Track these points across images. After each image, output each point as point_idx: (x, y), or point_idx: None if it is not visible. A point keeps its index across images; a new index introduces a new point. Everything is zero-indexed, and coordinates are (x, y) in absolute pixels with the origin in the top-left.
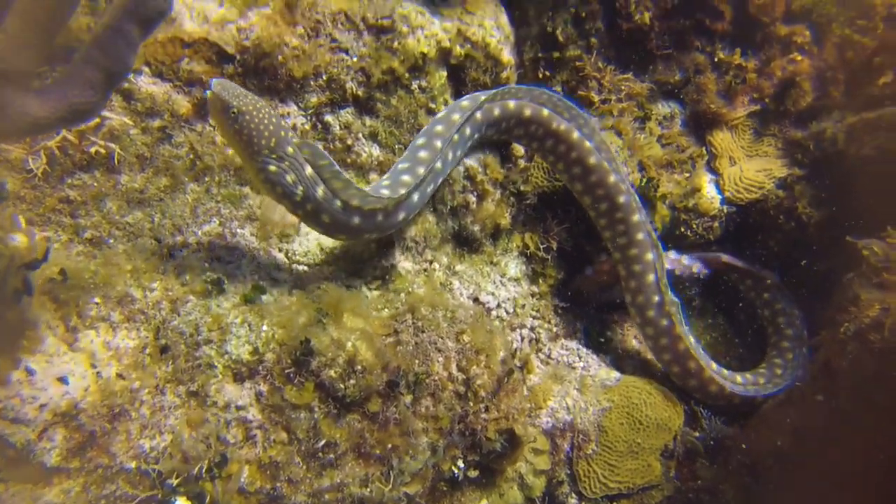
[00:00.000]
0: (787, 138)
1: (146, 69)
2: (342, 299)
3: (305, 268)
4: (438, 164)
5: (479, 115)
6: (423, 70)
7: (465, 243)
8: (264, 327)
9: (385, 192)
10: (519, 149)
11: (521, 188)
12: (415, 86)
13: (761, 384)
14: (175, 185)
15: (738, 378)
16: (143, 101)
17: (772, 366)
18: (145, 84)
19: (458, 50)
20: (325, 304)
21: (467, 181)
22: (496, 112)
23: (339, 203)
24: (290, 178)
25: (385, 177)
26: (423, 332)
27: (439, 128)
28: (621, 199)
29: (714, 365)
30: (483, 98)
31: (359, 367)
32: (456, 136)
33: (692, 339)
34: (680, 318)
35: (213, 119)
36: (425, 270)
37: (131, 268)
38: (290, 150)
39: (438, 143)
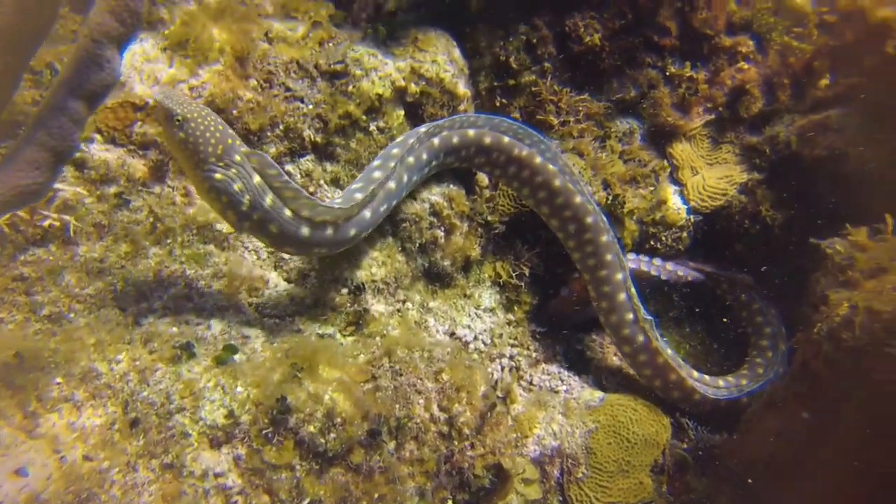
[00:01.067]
0: (744, 144)
1: (98, 136)
2: (316, 350)
3: (277, 320)
4: (392, 185)
5: (436, 141)
6: (380, 111)
7: (437, 279)
8: (238, 388)
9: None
10: (483, 179)
11: (489, 218)
12: (373, 127)
13: (744, 385)
14: (136, 250)
15: (721, 382)
16: (97, 169)
17: (754, 365)
18: (98, 151)
19: (413, 88)
20: (299, 358)
21: (434, 217)
22: (455, 140)
23: (288, 213)
24: (236, 186)
25: (338, 195)
26: (401, 375)
27: (395, 150)
28: (588, 219)
29: (695, 373)
30: (440, 123)
31: (338, 420)
32: (411, 160)
33: (670, 352)
34: (655, 333)
35: (159, 127)
36: (399, 311)
37: (95, 341)
38: (237, 157)
39: (392, 164)
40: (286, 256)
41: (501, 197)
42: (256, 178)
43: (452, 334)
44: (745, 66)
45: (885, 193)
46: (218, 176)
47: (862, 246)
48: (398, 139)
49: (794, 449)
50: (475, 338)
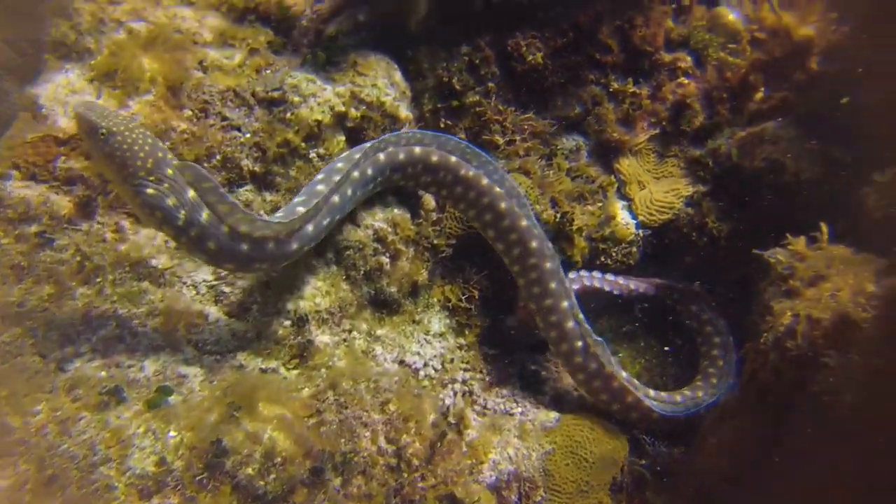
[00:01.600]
0: (688, 157)
1: (15, 173)
2: (255, 387)
3: (217, 357)
4: (336, 199)
5: (382, 157)
6: (319, 138)
7: (384, 306)
8: (171, 433)
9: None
10: (429, 201)
11: (435, 242)
12: (313, 154)
13: (700, 397)
14: (61, 291)
15: (678, 397)
16: (15, 208)
17: (707, 376)
18: (15, 189)
19: (353, 113)
20: (238, 396)
21: (378, 244)
22: (401, 156)
23: (225, 228)
24: (170, 201)
25: (280, 209)
26: (346, 407)
27: (340, 164)
28: (534, 244)
29: (651, 392)
30: (387, 138)
31: (278, 459)
32: (356, 174)
33: (624, 374)
34: (607, 356)
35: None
36: (345, 341)
37: (7, 393)
38: (169, 171)
39: (337, 178)
40: (226, 290)
41: (449, 220)
42: (191, 193)
43: (402, 362)
44: (685, 81)
45: (821, 202)
46: (150, 191)
47: (801, 255)
48: (343, 154)
49: (746, 460)
50: (425, 364)
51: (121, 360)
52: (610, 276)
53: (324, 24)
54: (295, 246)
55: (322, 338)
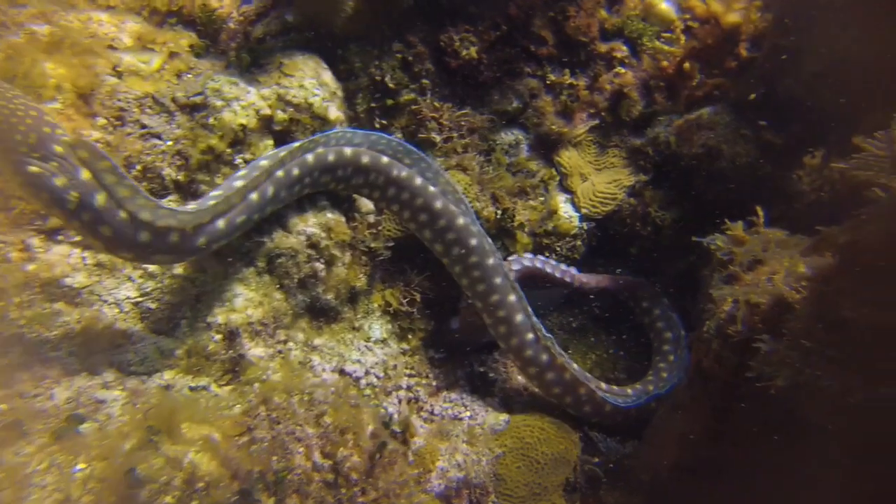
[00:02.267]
0: (629, 147)
1: None
2: (177, 409)
3: (143, 378)
4: (254, 196)
5: (310, 157)
6: (245, 142)
7: (321, 314)
8: (79, 466)
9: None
10: (365, 202)
11: (372, 245)
12: (239, 160)
13: (650, 391)
14: None
15: (629, 391)
16: None
17: (657, 370)
18: None
19: (280, 115)
20: (158, 419)
21: (311, 249)
22: (331, 157)
23: (123, 214)
24: (58, 181)
25: (193, 203)
26: (279, 423)
27: (264, 162)
28: (473, 241)
29: (603, 385)
30: (316, 138)
31: (201, 485)
32: (281, 173)
33: (576, 366)
34: (557, 349)
35: None
36: (280, 353)
37: None
38: (58, 148)
39: (258, 174)
40: (153, 306)
41: (386, 221)
42: (85, 173)
43: (341, 371)
44: (622, 71)
45: (758, 186)
46: (33, 169)
47: (739, 240)
48: (269, 153)
49: (696, 452)
50: (367, 372)
51: (25, 391)
52: (552, 262)
53: (251, 26)
54: (201, 240)
55: (255, 351)
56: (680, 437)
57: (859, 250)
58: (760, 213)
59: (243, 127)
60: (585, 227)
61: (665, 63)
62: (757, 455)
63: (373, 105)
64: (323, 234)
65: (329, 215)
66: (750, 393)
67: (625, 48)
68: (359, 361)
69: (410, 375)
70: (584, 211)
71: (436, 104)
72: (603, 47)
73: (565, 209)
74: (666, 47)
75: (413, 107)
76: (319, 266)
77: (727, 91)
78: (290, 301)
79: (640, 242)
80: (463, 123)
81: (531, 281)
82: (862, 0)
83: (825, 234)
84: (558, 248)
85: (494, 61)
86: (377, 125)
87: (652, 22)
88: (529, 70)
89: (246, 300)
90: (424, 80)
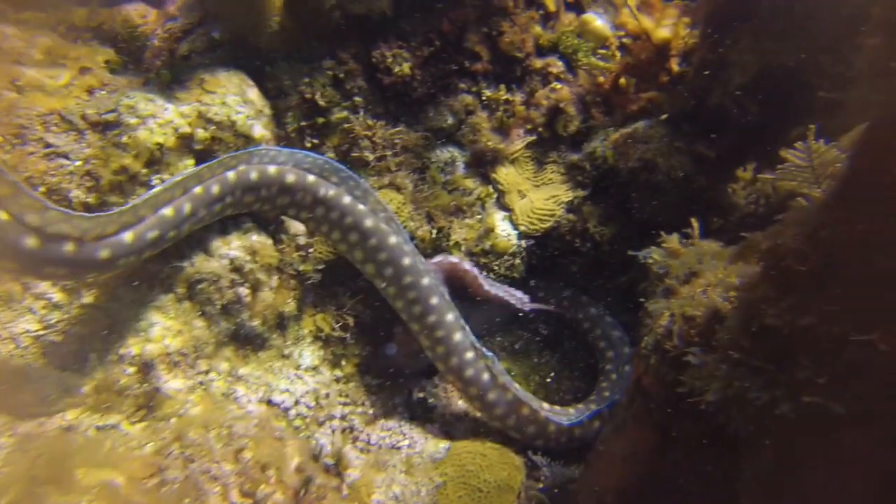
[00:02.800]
0: (567, 162)
1: None
2: (72, 453)
3: (41, 420)
4: (168, 212)
5: (232, 175)
6: (162, 162)
7: (247, 342)
8: None
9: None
10: (294, 225)
11: (301, 268)
12: (156, 180)
13: (591, 409)
14: None
15: (572, 410)
16: None
17: (600, 390)
18: None
19: (201, 133)
20: (46, 467)
21: (235, 274)
22: (253, 175)
23: (4, 216)
24: None
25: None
26: (192, 461)
27: (179, 178)
28: (406, 261)
29: (546, 405)
30: (238, 154)
31: None
32: (199, 190)
33: (517, 386)
34: (499, 369)
35: None
36: (202, 384)
37: None
38: None
39: (171, 188)
40: (57, 339)
41: (319, 243)
42: None
43: (269, 402)
44: (558, 86)
45: (693, 199)
46: None
47: (675, 252)
48: (189, 170)
49: (640, 472)
50: (297, 402)
51: None
52: (496, 282)
53: (177, 43)
54: (104, 254)
55: (173, 383)
56: (624, 459)
57: (780, 255)
58: (696, 224)
59: (160, 146)
60: (524, 245)
61: (601, 79)
62: (700, 473)
63: (303, 124)
64: (247, 258)
65: (254, 237)
66: (688, 409)
67: (560, 63)
68: (288, 391)
69: (345, 404)
70: (522, 228)
71: (369, 122)
72: (538, 63)
73: (503, 227)
74: (602, 63)
75: (345, 125)
76: (244, 291)
77: (661, 105)
78: (212, 329)
79: (581, 259)
80: (396, 141)
81: (452, 283)
82: (781, 13)
83: (750, 240)
84: (496, 267)
85: (428, 77)
86: (308, 144)
87: (587, 38)
88: (464, 86)
89: (163, 329)
90: (357, 98)
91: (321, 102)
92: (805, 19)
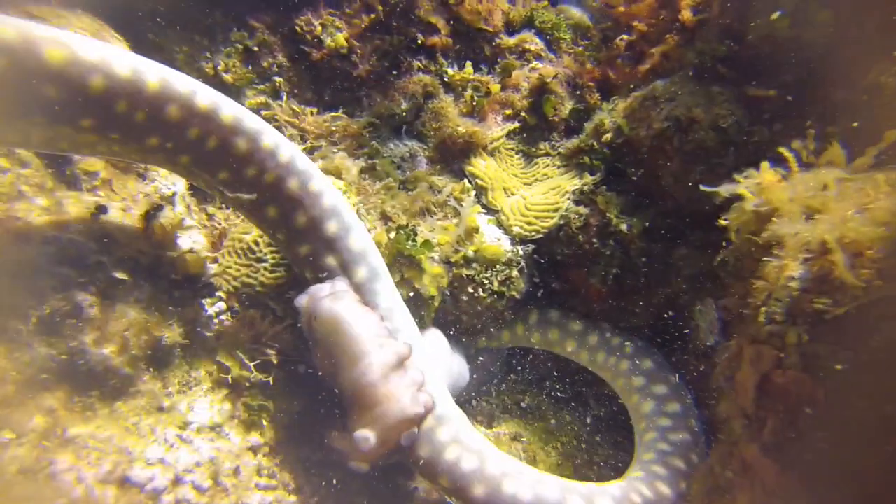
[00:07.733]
0: (566, 148)
1: None
2: None
3: None
4: None
5: None
6: None
7: (94, 383)
8: None
9: None
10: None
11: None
12: None
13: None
14: None
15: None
16: None
17: (645, 464)
18: None
19: None
20: None
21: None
22: None
23: None
24: None
25: None
26: None
27: None
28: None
29: (581, 486)
30: None
31: None
32: None
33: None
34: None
35: None
36: None
37: None
38: None
39: None
40: None
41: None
42: None
43: (123, 481)
44: (538, 66)
45: (749, 156)
46: None
47: (770, 187)
48: None
49: None
50: (176, 481)
51: None
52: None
53: None
54: None
55: None
56: None
57: None
58: (794, 152)
59: None
60: (520, 252)
61: (590, 67)
62: None
63: None
64: (93, 245)
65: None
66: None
67: (538, 40)
68: (161, 462)
69: (265, 486)
70: (515, 231)
71: (295, 108)
72: (510, 41)
73: (488, 230)
74: (587, 52)
75: (264, 112)
76: (86, 298)
77: (680, 59)
78: (19, 358)
79: (602, 268)
80: (336, 129)
81: None
82: None
83: None
84: (487, 282)
85: (371, 52)
86: None
87: (567, 15)
88: (420, 64)
89: None
90: (278, 78)
91: (230, 80)
92: None
